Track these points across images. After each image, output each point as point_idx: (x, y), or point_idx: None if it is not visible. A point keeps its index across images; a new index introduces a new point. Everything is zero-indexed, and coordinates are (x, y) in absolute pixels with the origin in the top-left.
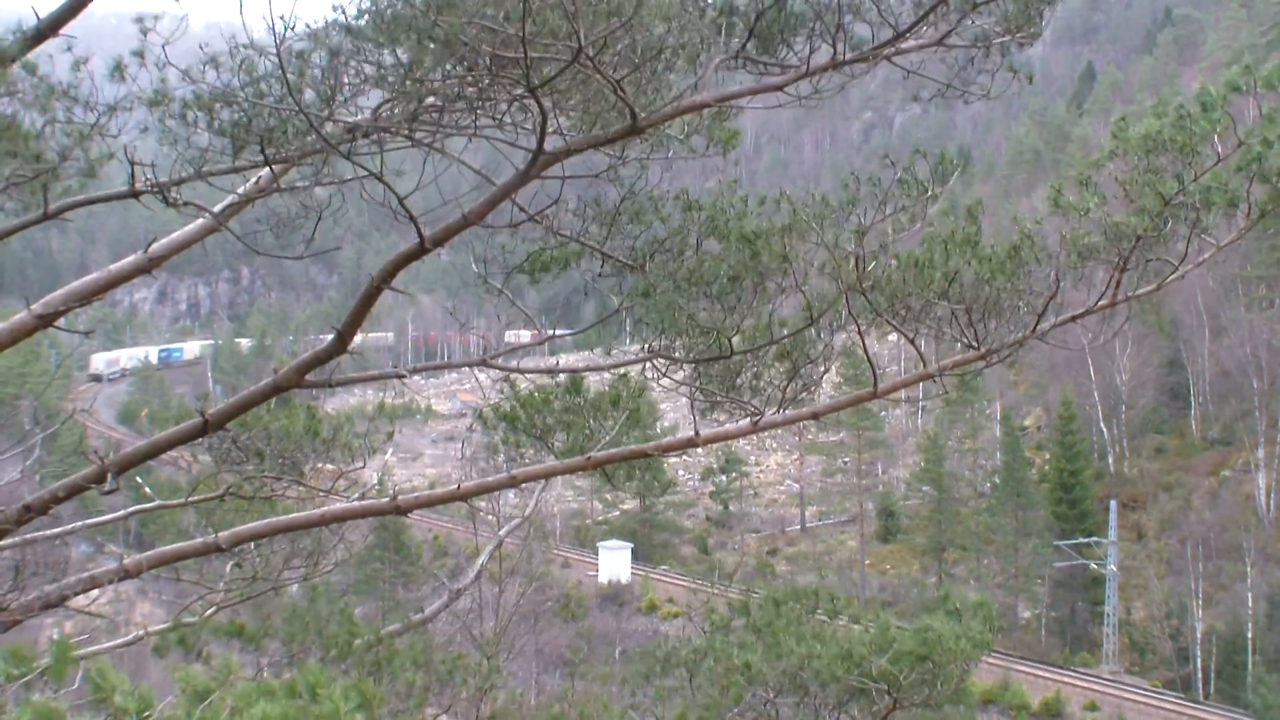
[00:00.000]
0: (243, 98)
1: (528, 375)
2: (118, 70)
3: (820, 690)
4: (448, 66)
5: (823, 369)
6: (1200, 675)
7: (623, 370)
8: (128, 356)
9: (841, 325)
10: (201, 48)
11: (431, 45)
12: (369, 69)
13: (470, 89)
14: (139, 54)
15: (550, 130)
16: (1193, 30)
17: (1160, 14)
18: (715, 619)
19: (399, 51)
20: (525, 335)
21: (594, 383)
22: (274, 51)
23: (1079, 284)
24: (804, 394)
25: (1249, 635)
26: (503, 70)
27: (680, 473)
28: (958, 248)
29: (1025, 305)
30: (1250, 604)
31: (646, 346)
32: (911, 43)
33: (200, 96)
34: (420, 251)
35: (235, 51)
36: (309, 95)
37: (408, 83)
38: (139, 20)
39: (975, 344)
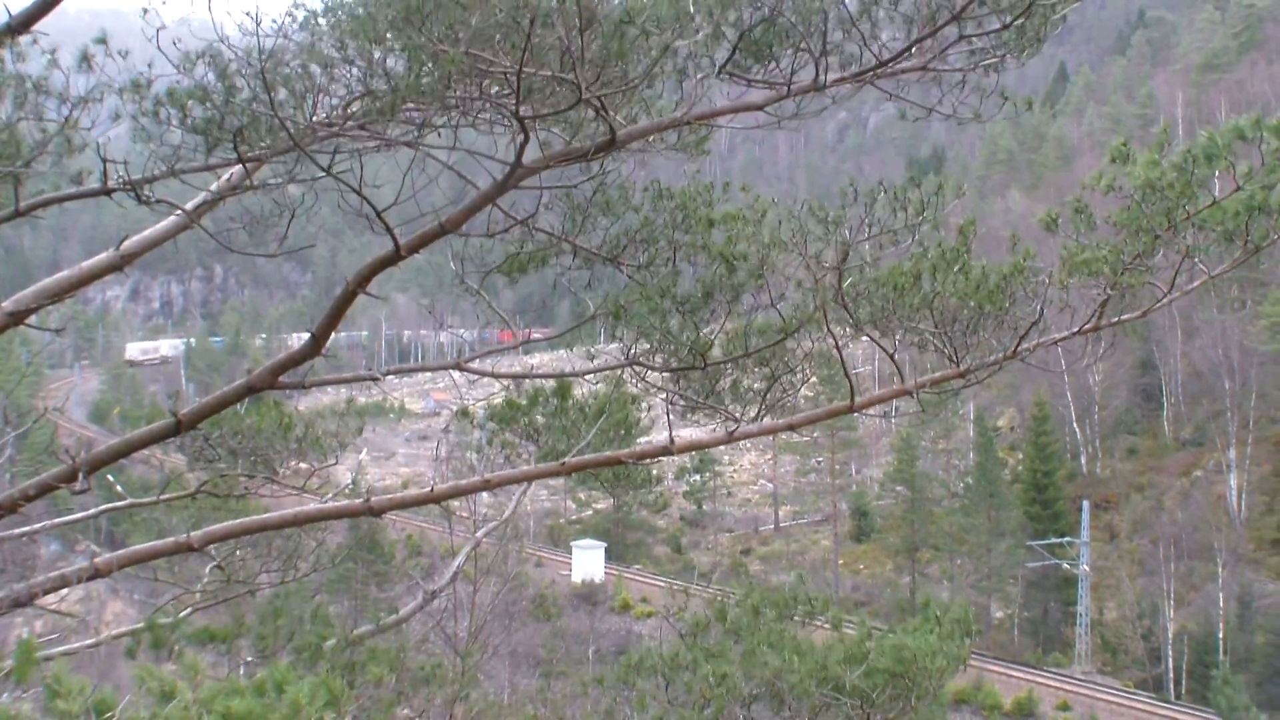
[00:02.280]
0: (216, 96)
1: (503, 379)
2: (85, 61)
3: (796, 702)
4: (426, 69)
5: (800, 379)
6: (1171, 675)
7: (603, 375)
8: (169, 345)
9: (821, 337)
10: (175, 43)
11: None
12: (354, 72)
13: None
14: (102, 41)
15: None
16: (1165, 32)
17: (1133, 16)
18: (692, 624)
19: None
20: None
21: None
22: (248, 49)
23: (1064, 308)
24: (781, 400)
25: (1220, 635)
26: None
27: (654, 473)
28: (945, 267)
29: (1008, 327)
30: (1221, 604)
31: (626, 351)
32: (897, 67)
33: (174, 93)
34: (396, 257)
35: (211, 49)
36: (283, 94)
37: (387, 83)
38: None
39: (955, 360)
